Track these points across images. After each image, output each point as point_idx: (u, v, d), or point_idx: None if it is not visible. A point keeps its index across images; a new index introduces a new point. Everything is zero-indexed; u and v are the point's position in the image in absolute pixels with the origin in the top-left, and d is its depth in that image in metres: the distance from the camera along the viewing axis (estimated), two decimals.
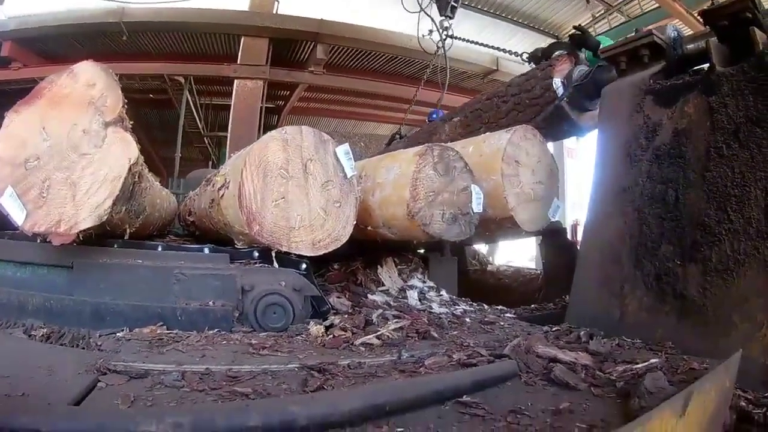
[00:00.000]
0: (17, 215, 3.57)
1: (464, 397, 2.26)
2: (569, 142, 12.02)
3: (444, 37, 7.49)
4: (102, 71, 3.82)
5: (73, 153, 3.65)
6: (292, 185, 4.01)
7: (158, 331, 3.48)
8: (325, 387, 2.48)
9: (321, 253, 4.08)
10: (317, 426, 1.87)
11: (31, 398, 2.18)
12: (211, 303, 3.78)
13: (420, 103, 8.97)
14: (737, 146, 3.08)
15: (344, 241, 4.16)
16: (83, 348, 3.21)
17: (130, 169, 3.65)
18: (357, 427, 1.93)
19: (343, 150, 4.18)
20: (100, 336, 3.37)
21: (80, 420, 1.71)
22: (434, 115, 8.73)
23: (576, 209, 12.40)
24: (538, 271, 6.71)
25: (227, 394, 2.36)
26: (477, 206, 4.60)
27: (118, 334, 3.43)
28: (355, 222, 4.23)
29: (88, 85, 3.77)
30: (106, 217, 3.58)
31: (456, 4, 7.49)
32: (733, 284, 2.95)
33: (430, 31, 7.56)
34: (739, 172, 3.03)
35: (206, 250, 4.22)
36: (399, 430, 1.95)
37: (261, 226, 3.89)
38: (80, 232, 3.57)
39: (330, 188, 4.13)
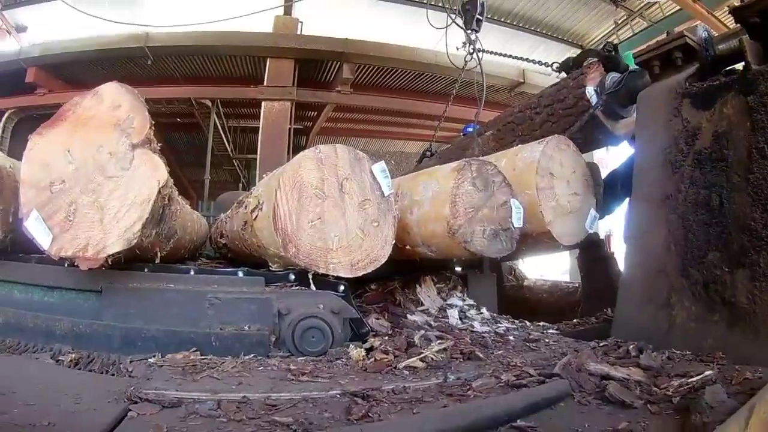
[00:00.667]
0: (43, 239, 3.53)
1: (518, 421, 2.18)
2: (600, 152, 11.90)
3: (472, 51, 7.41)
4: (127, 92, 3.77)
5: (99, 176, 3.59)
6: (328, 205, 3.94)
7: (191, 357, 3.41)
8: (370, 414, 2.39)
9: (360, 274, 3.99)
10: None
11: (57, 427, 2.13)
12: (246, 327, 3.69)
13: (449, 119, 8.92)
14: None
15: (383, 262, 4.07)
16: (113, 374, 3.16)
17: (159, 191, 3.58)
18: None
19: (379, 168, 4.10)
20: (130, 362, 3.30)
21: None
22: (469, 128, 8.68)
23: (609, 220, 12.29)
24: (576, 284, 6.61)
25: (266, 424, 2.28)
26: (517, 221, 4.46)
27: (149, 359, 3.36)
28: (393, 241, 4.14)
29: (114, 107, 3.73)
30: (135, 241, 3.51)
31: (481, 18, 7.42)
32: None
33: (464, 44, 7.47)
34: None
35: (240, 274, 4.14)
36: None
37: (297, 248, 3.82)
38: (109, 256, 3.50)
39: (367, 207, 4.05)
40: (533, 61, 7.09)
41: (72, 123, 3.73)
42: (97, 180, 3.59)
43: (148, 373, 3.05)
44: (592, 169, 5.15)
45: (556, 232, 4.61)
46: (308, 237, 3.85)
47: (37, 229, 3.55)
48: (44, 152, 3.68)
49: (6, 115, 10.98)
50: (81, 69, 10.87)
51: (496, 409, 2.24)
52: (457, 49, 7.51)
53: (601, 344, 3.55)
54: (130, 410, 2.38)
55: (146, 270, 4.00)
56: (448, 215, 4.21)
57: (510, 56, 7.83)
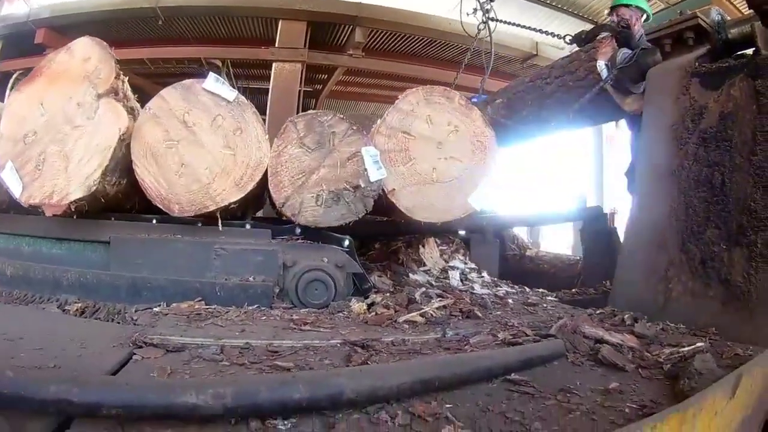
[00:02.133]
0: (15, 188, 3.72)
1: (512, 375, 2.24)
2: (609, 129, 11.88)
3: (485, 19, 7.37)
4: (97, 45, 3.91)
5: (67, 126, 3.74)
6: (184, 146, 3.85)
7: (196, 306, 3.47)
8: (369, 363, 2.44)
9: (250, 187, 3.88)
10: (364, 399, 1.83)
11: (62, 370, 2.17)
12: (251, 279, 3.77)
13: (459, 88, 8.89)
14: None
15: (266, 162, 3.90)
16: (118, 322, 3.22)
17: (120, 138, 3.69)
18: (404, 402, 1.90)
19: (211, 81, 3.93)
20: (136, 311, 3.36)
21: (115, 390, 1.66)
22: (474, 99, 8.66)
23: (614, 197, 12.31)
24: (577, 258, 6.65)
25: (268, 368, 2.33)
26: (374, 173, 3.98)
27: (154, 308, 3.43)
28: (267, 135, 3.96)
29: (84, 60, 3.87)
30: (95, 188, 3.64)
31: None
32: None
33: (475, 10, 7.44)
34: None
35: (248, 226, 4.15)
36: (447, 406, 1.92)
37: (179, 203, 3.83)
38: (71, 203, 3.65)
39: (221, 122, 3.86)
40: (546, 33, 7.06)
41: (47, 77, 3.89)
42: (65, 130, 3.74)
43: (153, 321, 3.12)
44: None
45: (404, 204, 4.15)
46: (183, 187, 3.81)
47: (11, 179, 3.73)
48: (21, 106, 3.85)
49: (15, 75, 10.94)
50: (91, 29, 10.70)
51: (493, 362, 2.29)
52: (468, 14, 7.49)
53: (598, 312, 3.59)
54: (135, 354, 2.43)
55: (154, 221, 4.06)
56: (272, 189, 3.97)
57: (523, 26, 7.79)
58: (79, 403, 1.58)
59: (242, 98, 3.94)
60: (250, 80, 12.48)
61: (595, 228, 5.75)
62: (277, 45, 9.80)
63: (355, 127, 4.03)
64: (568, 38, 6.00)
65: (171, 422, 1.63)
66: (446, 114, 4.27)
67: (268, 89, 9.59)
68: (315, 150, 3.97)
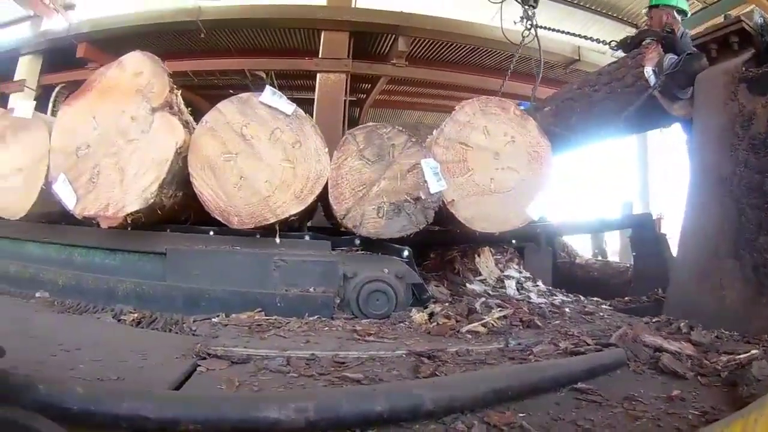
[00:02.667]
0: (69, 200, 3.80)
1: (578, 383, 2.27)
2: (653, 133, 11.78)
3: (529, 26, 7.35)
4: (148, 59, 3.97)
5: (121, 139, 3.81)
6: (242, 160, 3.90)
7: (256, 317, 3.50)
8: (437, 373, 2.45)
9: (310, 200, 3.94)
10: (442, 410, 1.85)
11: (126, 381, 2.19)
12: (311, 289, 3.80)
13: (504, 95, 8.87)
14: None
15: (327, 175, 3.97)
16: (177, 332, 3.26)
17: (177, 152, 3.74)
18: (478, 412, 1.91)
19: (268, 95, 3.98)
20: (194, 321, 3.40)
21: (194, 405, 1.68)
22: (521, 107, 8.63)
23: (660, 203, 12.20)
24: (627, 265, 6.59)
25: (337, 379, 2.34)
26: (434, 185, 4.02)
27: (213, 319, 3.46)
28: (326, 148, 4.02)
29: (136, 74, 3.94)
30: (152, 200, 3.70)
31: None
32: None
33: (521, 18, 7.41)
34: None
35: (307, 237, 4.19)
36: (521, 415, 1.93)
37: (239, 215, 3.88)
38: (128, 215, 3.71)
39: (280, 136, 3.95)
40: (590, 39, 7.03)
41: (98, 92, 3.97)
42: (119, 143, 3.81)
43: (213, 332, 3.14)
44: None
45: (463, 215, 4.19)
46: (242, 200, 3.86)
47: (64, 191, 3.80)
48: (72, 120, 3.93)
49: (56, 89, 11.06)
50: (132, 43, 10.72)
51: (560, 371, 2.33)
52: (515, 23, 7.46)
53: (654, 320, 3.61)
54: (199, 365, 2.46)
55: (211, 233, 4.11)
56: (332, 201, 4.01)
57: (567, 33, 7.75)
58: (156, 418, 1.58)
59: (300, 111, 3.98)
60: (294, 91, 12.53)
61: (645, 235, 5.69)
62: (320, 55, 9.79)
63: (414, 139, 4.07)
64: (613, 44, 5.96)
65: None
66: (502, 125, 4.32)
67: (312, 99, 9.57)
68: (375, 162, 4.01)
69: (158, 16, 10.21)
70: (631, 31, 11.86)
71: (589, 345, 2.90)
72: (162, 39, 10.40)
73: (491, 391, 1.98)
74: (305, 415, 1.63)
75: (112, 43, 10.50)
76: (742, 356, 2.57)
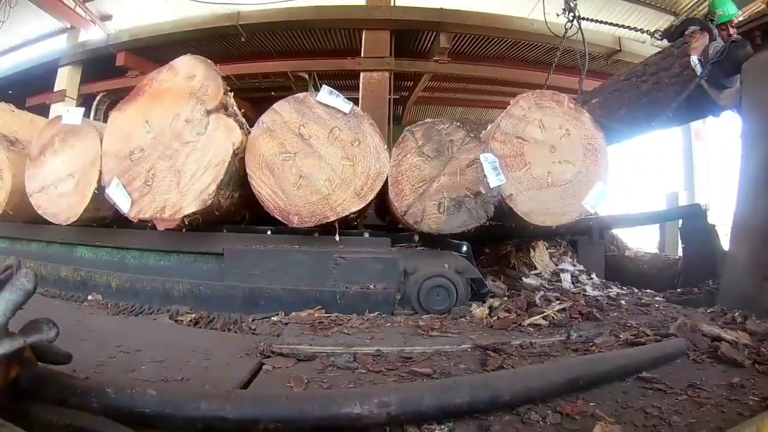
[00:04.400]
0: (123, 204, 3.86)
1: (643, 373, 2.32)
2: (696, 123, 11.66)
3: (572, 18, 7.31)
4: (201, 63, 4.01)
5: (176, 142, 3.86)
6: (301, 159, 3.90)
7: (316, 315, 3.55)
8: (504, 366, 2.48)
9: (371, 197, 3.93)
10: (518, 401, 1.90)
11: (192, 382, 2.23)
12: (372, 286, 3.83)
13: (549, 89, 8.83)
14: None
15: (386, 172, 3.96)
16: (236, 332, 3.31)
17: (234, 153, 3.78)
18: (549, 402, 1.96)
19: (325, 94, 3.99)
20: (253, 320, 3.46)
21: (273, 404, 1.71)
22: None
23: (705, 193, 12.09)
24: (675, 258, 6.55)
25: (406, 374, 2.37)
26: (493, 180, 4.03)
27: (272, 318, 3.52)
28: (385, 145, 4.03)
29: (188, 78, 3.97)
30: (210, 202, 3.73)
31: None
32: None
33: (564, 10, 7.37)
34: None
35: (366, 235, 4.23)
36: (592, 404, 1.98)
37: (299, 214, 3.88)
38: (185, 216, 3.75)
39: (338, 134, 3.96)
40: (632, 29, 6.98)
41: (149, 96, 4.02)
42: (174, 146, 3.85)
43: (273, 330, 3.20)
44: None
45: (521, 209, 4.19)
46: (302, 199, 3.86)
47: (118, 195, 3.87)
48: (124, 125, 3.99)
49: (98, 98, 11.20)
50: (172, 50, 10.75)
51: (626, 361, 2.37)
52: (558, 15, 7.42)
53: (708, 311, 3.63)
54: (264, 364, 2.49)
55: (269, 232, 4.16)
56: (393, 198, 4.02)
57: (609, 23, 7.69)
58: (234, 419, 1.61)
59: (358, 109, 3.99)
60: (337, 91, 12.53)
61: (695, 226, 5.66)
62: (362, 55, 9.81)
63: (472, 135, 4.07)
64: (657, 34, 5.92)
65: None
66: (557, 118, 4.31)
67: (356, 99, 9.57)
68: (434, 158, 4.02)
69: (198, 23, 10.32)
70: (670, 19, 11.79)
71: (648, 335, 2.93)
72: (202, 45, 10.48)
73: (563, 382, 2.03)
74: (387, 409, 1.67)
75: (152, 50, 10.65)
76: None
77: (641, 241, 8.43)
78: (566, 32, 7.35)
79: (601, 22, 7.62)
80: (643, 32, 6.48)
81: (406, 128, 4.11)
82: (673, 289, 5.13)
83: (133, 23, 11.62)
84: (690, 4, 11.86)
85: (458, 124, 4.09)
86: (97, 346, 2.65)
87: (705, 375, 2.36)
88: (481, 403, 1.80)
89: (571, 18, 7.25)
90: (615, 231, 7.23)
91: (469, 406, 1.78)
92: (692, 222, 5.67)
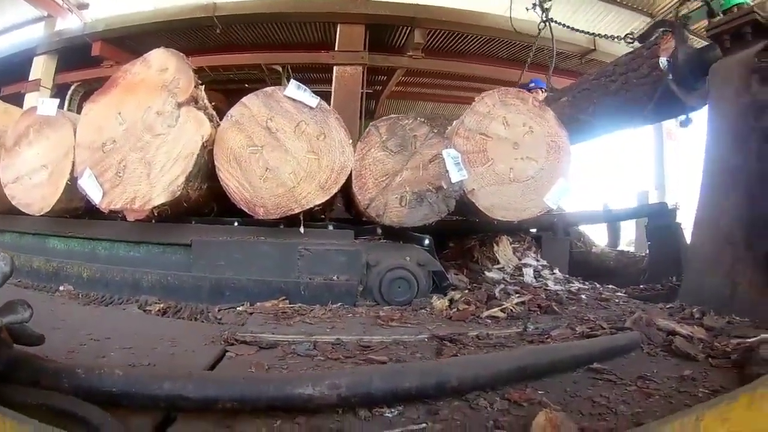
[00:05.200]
0: (95, 194, 3.90)
1: (595, 364, 2.36)
2: (669, 124, 11.77)
3: (545, 18, 7.40)
4: (173, 56, 4.06)
5: (147, 134, 3.92)
6: (268, 152, 3.97)
7: (281, 305, 3.59)
8: (459, 356, 2.53)
9: (334, 190, 4.01)
10: (467, 387, 1.95)
11: (158, 367, 2.26)
12: (335, 278, 3.89)
13: (523, 87, 8.90)
14: None
15: (350, 166, 4.04)
16: (203, 321, 3.35)
17: (203, 145, 3.85)
18: (499, 390, 2.01)
19: (293, 89, 4.07)
20: (219, 310, 3.51)
21: (232, 384, 1.76)
22: (532, 83, 8.70)
23: (676, 193, 12.19)
24: (642, 255, 6.63)
25: (363, 362, 2.42)
26: (455, 175, 4.12)
27: (238, 308, 3.57)
28: (350, 140, 4.10)
29: (161, 70, 4.03)
30: (179, 193, 3.79)
31: None
32: None
33: (534, 5, 7.46)
34: None
35: (330, 227, 4.29)
36: (540, 392, 2.03)
37: (264, 206, 3.94)
38: (154, 207, 3.82)
39: (305, 128, 4.02)
40: (603, 36, 7.06)
41: (123, 88, 4.07)
42: (146, 138, 3.91)
43: (239, 320, 3.24)
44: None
45: (483, 204, 4.28)
46: (268, 191, 3.92)
47: (90, 186, 3.91)
48: (97, 116, 4.04)
49: (72, 88, 11.12)
50: (147, 40, 10.71)
51: (577, 351, 2.42)
52: (527, 10, 7.52)
53: (668, 306, 3.66)
54: (228, 351, 2.54)
55: (236, 224, 4.23)
56: (356, 191, 4.08)
57: (580, 31, 7.75)
58: (194, 398, 1.68)
59: (324, 104, 4.06)
60: (311, 84, 12.45)
61: (660, 224, 5.74)
62: (336, 48, 9.82)
63: (435, 130, 4.15)
64: (629, 38, 6.00)
65: (280, 414, 1.74)
66: (521, 115, 4.39)
67: (329, 92, 9.58)
68: (398, 153, 4.08)
69: (173, 13, 10.29)
70: (646, 20, 11.89)
71: (604, 329, 2.98)
72: (177, 36, 10.47)
73: (512, 370, 2.08)
74: (338, 391, 1.72)
75: (127, 40, 10.61)
76: (751, 339, 2.61)
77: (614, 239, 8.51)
78: (540, 32, 7.44)
79: (571, 28, 7.71)
80: (614, 39, 6.58)
81: (371, 123, 4.18)
82: (639, 285, 5.21)
83: (109, 12, 11.54)
84: (666, 6, 11.95)
85: (422, 119, 4.15)
86: (68, 334, 2.68)
87: (657, 367, 2.40)
88: (429, 388, 1.86)
89: (544, 19, 7.33)
90: (582, 228, 7.33)
91: (417, 391, 1.83)
92: (658, 220, 5.76)
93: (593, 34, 7.33)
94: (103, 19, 11.14)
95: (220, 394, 1.69)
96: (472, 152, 4.25)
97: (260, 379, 1.92)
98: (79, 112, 4.43)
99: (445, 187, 4.07)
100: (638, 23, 12.18)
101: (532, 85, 8.73)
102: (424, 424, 1.72)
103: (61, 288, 4.10)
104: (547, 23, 7.35)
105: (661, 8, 12.10)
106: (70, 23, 12.43)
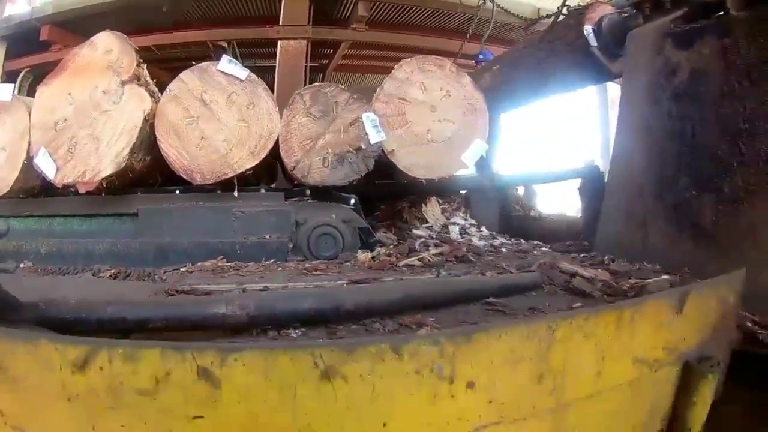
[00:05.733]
0: (50, 171, 4.12)
1: (490, 298, 2.54)
2: (612, 91, 11.98)
3: None
4: (117, 38, 4.30)
5: (95, 111, 4.14)
6: (203, 122, 4.20)
7: (219, 264, 3.80)
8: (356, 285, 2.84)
9: (263, 154, 4.24)
10: (362, 312, 2.18)
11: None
12: (267, 236, 4.14)
13: (465, 56, 9.03)
14: (748, 84, 3.20)
15: (277, 132, 4.26)
16: (150, 282, 3.53)
17: (145, 119, 4.10)
18: (396, 317, 2.23)
19: (225, 63, 4.29)
20: (164, 272, 3.67)
21: (161, 306, 2.04)
22: (481, 55, 8.88)
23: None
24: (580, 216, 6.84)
25: None
26: (374, 136, 4.35)
27: (181, 269, 3.75)
28: (277, 108, 4.31)
29: (106, 52, 4.25)
30: (124, 164, 4.04)
31: None
32: (744, 213, 3.14)
33: None
34: (750, 109, 3.17)
35: (262, 190, 4.54)
36: (431, 319, 2.24)
37: (201, 172, 4.20)
38: (103, 179, 4.06)
39: (235, 99, 4.24)
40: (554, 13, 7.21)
41: (72, 70, 4.28)
42: (93, 115, 4.13)
43: (181, 279, 3.43)
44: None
45: (403, 164, 4.56)
46: (204, 158, 4.17)
47: (45, 163, 4.13)
48: (50, 98, 4.24)
49: (22, 74, 10.97)
50: (96, 22, 10.45)
51: (472, 286, 2.66)
52: None
53: (581, 255, 3.91)
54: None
55: (177, 192, 4.46)
56: (283, 155, 4.35)
57: None
58: (132, 319, 1.92)
59: (253, 76, 4.29)
60: (257, 59, 12.44)
61: (592, 185, 5.96)
62: (281, 23, 9.79)
63: (355, 96, 4.39)
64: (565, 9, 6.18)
65: (206, 331, 1.99)
66: (438, 80, 4.65)
67: (275, 67, 9.65)
68: (320, 118, 4.34)
69: None
70: None
71: (512, 273, 3.19)
72: (125, 16, 10.25)
73: (406, 297, 2.32)
74: (247, 311, 1.98)
75: (76, 23, 10.44)
76: (650, 279, 2.80)
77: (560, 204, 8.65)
78: (482, 3, 7.61)
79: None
80: (551, 15, 6.77)
81: (296, 91, 4.44)
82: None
83: None
84: None
85: (343, 87, 4.41)
86: (30, 299, 2.90)
87: (551, 302, 2.57)
88: (327, 311, 2.11)
89: None
90: (520, 192, 7.56)
91: (315, 313, 2.08)
92: (590, 181, 6.00)
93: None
94: (51, 2, 11.03)
95: (152, 315, 1.93)
96: (391, 115, 4.51)
97: (184, 301, 2.32)
98: (29, 96, 4.61)
99: (364, 147, 4.32)
100: None
101: (481, 57, 8.88)
102: (320, 340, 1.96)
103: (21, 265, 4.19)
104: None
105: None
106: (19, 8, 12.28)
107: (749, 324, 2.58)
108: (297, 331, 2.07)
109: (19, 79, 10.78)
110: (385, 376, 1.37)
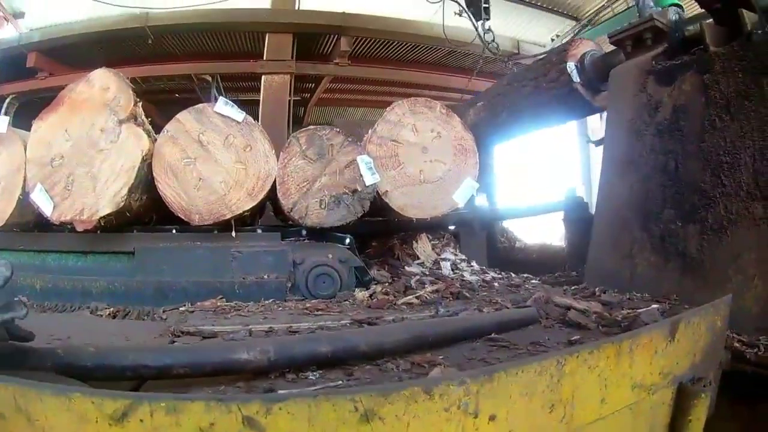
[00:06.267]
0: (46, 207, 4.12)
1: (492, 335, 2.67)
2: (594, 125, 12.13)
3: (489, 42, 7.67)
4: (114, 76, 4.32)
5: (92, 149, 4.16)
6: (200, 163, 4.25)
7: (218, 304, 3.86)
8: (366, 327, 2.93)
9: (261, 196, 4.34)
10: (374, 352, 2.29)
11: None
12: (265, 276, 4.19)
13: (449, 90, 9.12)
14: (728, 118, 3.36)
15: (274, 174, 4.35)
16: (150, 321, 3.62)
17: (143, 159, 4.12)
18: (406, 357, 2.33)
19: (221, 105, 4.35)
20: (164, 311, 3.74)
21: (183, 352, 2.11)
22: None
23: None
24: (564, 246, 6.92)
25: None
26: (369, 178, 4.47)
27: (180, 308, 3.79)
28: (273, 150, 4.38)
29: (103, 89, 4.28)
30: (123, 204, 4.06)
31: (488, 5, 7.61)
32: (727, 241, 3.27)
33: (461, 12, 7.77)
34: (731, 142, 3.32)
35: (259, 230, 4.59)
36: (440, 357, 2.34)
37: (200, 213, 4.24)
38: (101, 218, 4.06)
39: (233, 141, 4.31)
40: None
41: (68, 106, 4.30)
42: (90, 153, 4.15)
43: (182, 318, 3.45)
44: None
45: (397, 204, 4.65)
46: (201, 199, 4.21)
47: (41, 200, 4.13)
48: (46, 133, 4.26)
49: (8, 100, 10.90)
50: (82, 51, 10.51)
51: (474, 323, 2.78)
52: (455, 14, 7.82)
53: (573, 288, 4.05)
54: (175, 341, 2.80)
55: (174, 231, 4.47)
56: (280, 197, 4.40)
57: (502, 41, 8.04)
58: (154, 366, 1.96)
59: (250, 118, 4.36)
60: (240, 93, 12.44)
61: (576, 216, 6.06)
62: (265, 58, 9.80)
63: (350, 139, 4.49)
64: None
65: (225, 377, 2.06)
66: (429, 122, 4.77)
67: (258, 100, 9.65)
68: (316, 161, 4.43)
69: (108, 24, 10.07)
70: (571, 24, 12.26)
71: (508, 308, 3.28)
72: (111, 46, 10.28)
73: (413, 338, 2.42)
74: (267, 355, 2.05)
75: (62, 51, 10.43)
76: (642, 309, 2.92)
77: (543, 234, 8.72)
78: (485, 51, 7.73)
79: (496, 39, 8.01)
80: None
81: (292, 134, 4.53)
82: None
83: (45, 22, 11.39)
84: (592, 11, 12.33)
85: (338, 130, 4.51)
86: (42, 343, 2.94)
87: (550, 335, 2.70)
88: (341, 351, 2.20)
89: (489, 41, 7.62)
90: (505, 224, 7.65)
91: (331, 354, 2.17)
92: (574, 212, 6.10)
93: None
94: (38, 29, 10.98)
95: (174, 362, 1.97)
96: (385, 157, 4.62)
97: (205, 347, 2.35)
98: (14, 124, 4.61)
99: (360, 189, 4.42)
100: (563, 26, 12.60)
101: None
102: (339, 381, 2.04)
103: (16, 299, 4.24)
104: (495, 41, 7.69)
105: (586, 12, 12.48)
106: (6, 33, 12.20)
107: (736, 344, 2.75)
108: (315, 373, 2.13)
109: (5, 104, 10.71)
110: (418, 415, 1.45)
